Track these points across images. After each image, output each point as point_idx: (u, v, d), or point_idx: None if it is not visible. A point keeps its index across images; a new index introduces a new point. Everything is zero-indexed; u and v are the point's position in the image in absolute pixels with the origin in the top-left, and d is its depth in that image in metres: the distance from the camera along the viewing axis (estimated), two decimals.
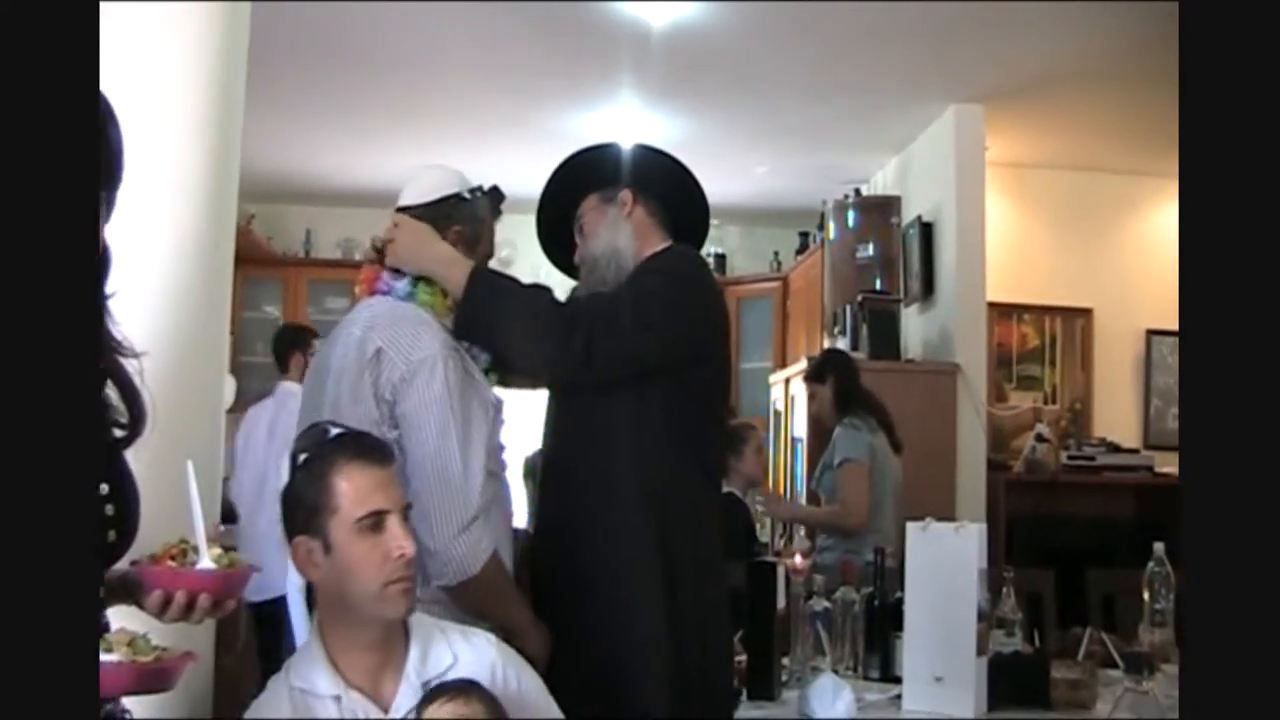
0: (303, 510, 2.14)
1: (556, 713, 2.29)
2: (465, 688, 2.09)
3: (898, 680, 3.17)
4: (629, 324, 2.68)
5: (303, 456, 2.19)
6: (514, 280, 2.76)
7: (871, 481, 5.23)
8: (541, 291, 2.75)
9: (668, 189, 3.00)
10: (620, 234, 2.90)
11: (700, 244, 3.10)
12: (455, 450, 2.54)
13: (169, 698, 3.05)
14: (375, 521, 2.11)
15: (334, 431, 2.23)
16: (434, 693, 2.10)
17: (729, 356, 3.04)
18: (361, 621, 2.13)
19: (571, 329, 2.65)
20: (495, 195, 2.92)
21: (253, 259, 7.19)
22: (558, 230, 3.05)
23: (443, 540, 2.50)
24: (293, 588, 2.78)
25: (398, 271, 2.76)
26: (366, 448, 2.19)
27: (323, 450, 2.18)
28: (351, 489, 2.11)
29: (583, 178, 3.03)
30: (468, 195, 2.84)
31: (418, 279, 2.74)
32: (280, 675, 2.16)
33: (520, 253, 8.20)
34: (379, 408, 2.56)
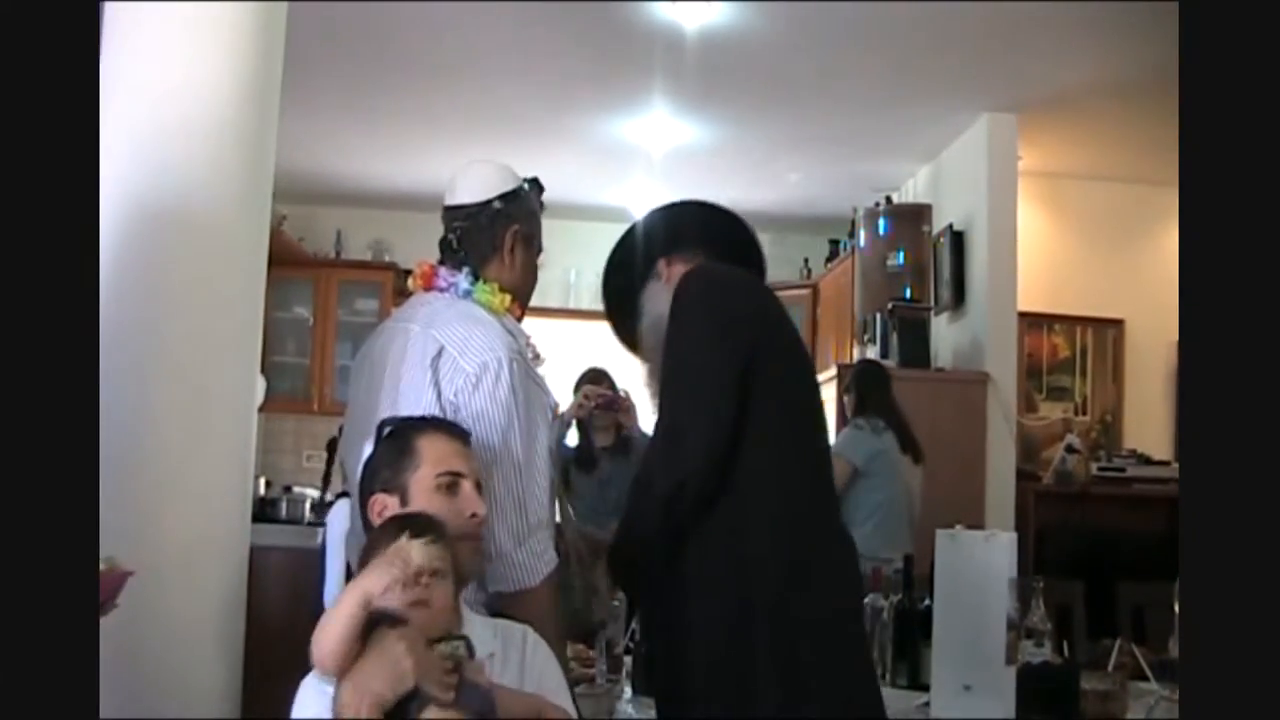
0: (385, 470, 2.28)
1: (570, 707, 2.29)
2: (442, 532, 2.08)
3: (926, 688, 3.16)
4: (665, 453, 2.51)
5: (389, 429, 2.34)
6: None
7: (861, 482, 5.22)
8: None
9: (705, 236, 2.87)
10: (660, 303, 2.72)
11: (758, 268, 2.94)
12: (519, 456, 2.52)
13: (200, 702, 3.07)
14: (452, 481, 2.25)
15: (418, 414, 2.40)
16: (403, 523, 2.09)
17: (786, 342, 2.69)
18: None
19: (639, 506, 2.54)
20: (537, 186, 2.90)
21: (284, 260, 7.20)
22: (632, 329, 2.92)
23: (505, 547, 2.48)
24: (334, 539, 2.78)
25: (457, 267, 2.75)
26: (448, 423, 2.36)
27: (409, 423, 2.34)
28: (433, 450, 2.26)
29: (627, 275, 2.91)
30: (524, 189, 2.84)
31: (477, 276, 2.73)
32: None
33: (551, 256, 8.16)
34: (442, 409, 2.52)
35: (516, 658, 2.26)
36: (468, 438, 2.36)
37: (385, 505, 2.25)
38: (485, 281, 2.72)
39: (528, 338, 2.78)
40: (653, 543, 2.52)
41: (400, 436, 2.31)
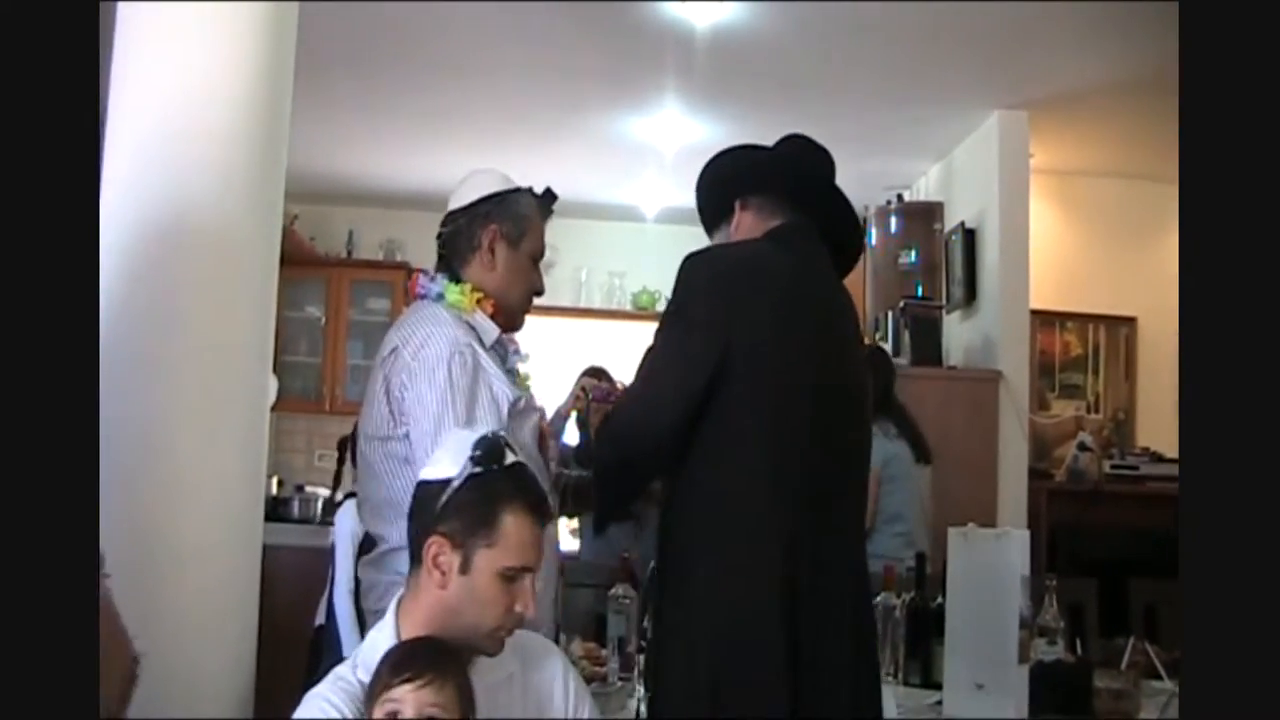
0: (457, 519, 2.16)
1: None
2: (440, 670, 2.07)
3: (938, 686, 3.16)
4: (630, 405, 2.71)
5: (479, 469, 2.19)
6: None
7: (880, 488, 5.17)
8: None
9: (772, 172, 2.85)
10: None
11: (822, 201, 2.88)
12: None
13: (213, 699, 3.08)
14: (517, 575, 2.16)
15: (510, 458, 2.23)
16: (400, 665, 2.06)
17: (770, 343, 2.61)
18: (464, 646, 2.17)
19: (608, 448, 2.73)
20: (547, 196, 2.97)
21: (296, 259, 7.20)
22: None
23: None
24: (341, 591, 2.84)
25: (441, 272, 2.87)
26: (538, 500, 2.23)
27: (499, 476, 2.20)
28: (515, 535, 2.16)
29: (712, 201, 2.89)
30: (514, 193, 2.91)
31: (457, 279, 2.84)
32: (344, 668, 2.20)
33: (562, 255, 8.22)
34: (389, 404, 2.69)
35: (541, 680, 2.29)
36: (549, 518, 2.28)
37: (445, 555, 2.16)
38: (462, 283, 2.84)
39: (505, 335, 2.89)
40: (595, 480, 2.75)
41: (488, 488, 2.19)
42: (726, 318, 2.54)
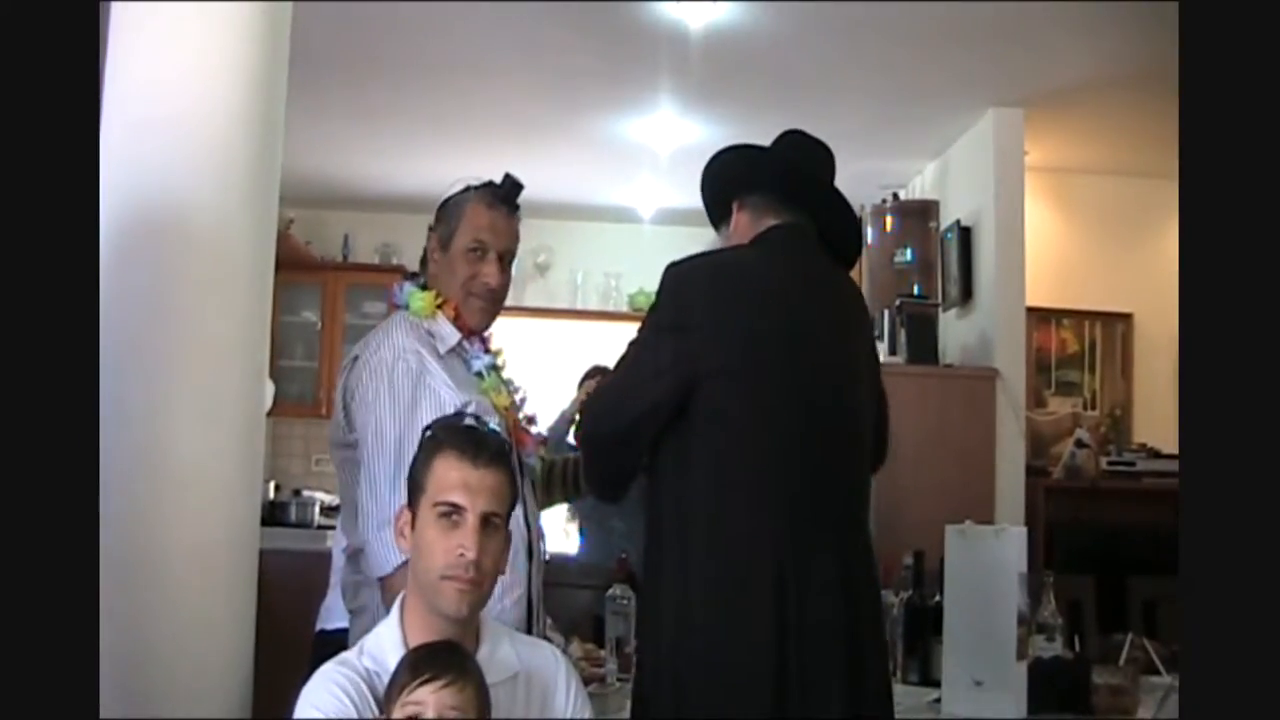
0: (411, 484, 2.28)
1: None
2: (461, 671, 2.09)
3: (937, 684, 3.16)
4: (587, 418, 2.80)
5: (428, 434, 2.33)
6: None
7: None
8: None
9: (767, 172, 2.86)
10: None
11: (816, 200, 2.88)
12: (390, 449, 2.66)
13: (211, 703, 3.08)
14: (450, 512, 2.19)
15: (468, 420, 2.36)
16: (420, 666, 2.09)
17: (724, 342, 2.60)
18: (433, 610, 2.20)
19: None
20: (504, 183, 2.95)
21: (291, 264, 7.22)
22: None
23: (364, 533, 2.67)
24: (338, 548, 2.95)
25: (413, 277, 3.00)
26: (472, 444, 2.26)
27: (440, 432, 2.31)
28: (441, 474, 2.22)
29: (715, 195, 2.91)
30: (450, 196, 2.97)
31: (417, 285, 2.94)
32: (351, 654, 2.23)
33: (558, 257, 8.20)
34: (345, 411, 2.78)
35: (544, 682, 2.30)
36: (493, 462, 2.26)
37: (405, 521, 2.28)
38: (426, 289, 2.93)
39: (470, 338, 2.94)
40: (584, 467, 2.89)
41: (428, 445, 2.30)
42: (698, 327, 2.57)
